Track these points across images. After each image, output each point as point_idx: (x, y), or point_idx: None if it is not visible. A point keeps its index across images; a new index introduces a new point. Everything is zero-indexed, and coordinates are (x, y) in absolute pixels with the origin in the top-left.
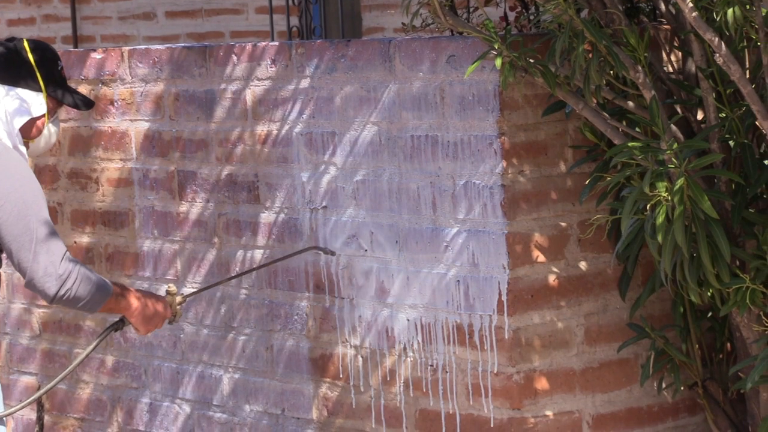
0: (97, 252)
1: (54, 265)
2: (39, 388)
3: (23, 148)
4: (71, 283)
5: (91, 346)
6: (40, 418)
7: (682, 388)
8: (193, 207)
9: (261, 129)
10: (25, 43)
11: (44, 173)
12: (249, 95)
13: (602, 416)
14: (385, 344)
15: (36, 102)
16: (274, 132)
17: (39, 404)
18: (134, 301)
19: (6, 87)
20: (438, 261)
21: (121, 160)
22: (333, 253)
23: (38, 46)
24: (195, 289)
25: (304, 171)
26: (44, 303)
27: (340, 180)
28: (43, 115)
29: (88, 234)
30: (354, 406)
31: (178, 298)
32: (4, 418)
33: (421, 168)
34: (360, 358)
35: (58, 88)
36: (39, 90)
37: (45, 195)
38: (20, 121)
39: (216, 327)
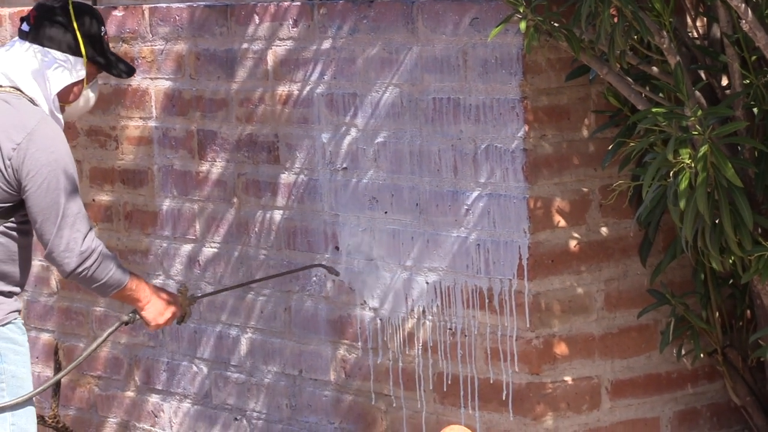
0: (115, 210)
1: (77, 241)
2: (57, 347)
3: (59, 114)
4: (91, 262)
5: (101, 339)
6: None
7: (701, 355)
8: (213, 167)
9: (282, 89)
10: (70, 6)
11: (63, 131)
12: (270, 55)
13: (621, 382)
14: (404, 307)
15: (76, 66)
16: (295, 93)
17: (56, 363)
18: (148, 295)
19: (46, 49)
20: (458, 224)
21: (141, 118)
22: (337, 273)
23: (83, 9)
24: (206, 292)
25: (324, 132)
26: None
27: (360, 142)
28: (82, 80)
29: (106, 192)
30: (372, 368)
31: (189, 299)
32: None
33: (442, 131)
34: (378, 321)
35: (100, 53)
36: (80, 54)
37: None
38: (58, 86)
39: None
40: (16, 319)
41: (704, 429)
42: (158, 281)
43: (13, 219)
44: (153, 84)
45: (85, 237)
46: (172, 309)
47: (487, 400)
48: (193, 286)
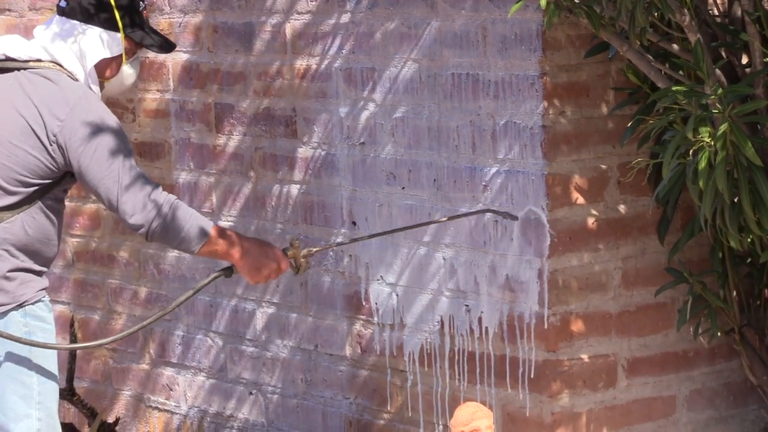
0: None
1: (143, 201)
2: (73, 320)
3: (96, 88)
4: (161, 219)
5: (196, 289)
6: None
7: (718, 333)
8: (230, 140)
9: (300, 63)
10: None
11: None
12: (288, 29)
13: (637, 360)
14: (421, 283)
15: (113, 42)
16: (313, 66)
17: (72, 335)
18: (239, 248)
19: (83, 24)
20: (476, 200)
21: (158, 91)
22: (515, 218)
23: None
24: (324, 246)
25: (342, 106)
26: (77, 232)
27: (378, 116)
28: (120, 56)
29: None
30: (387, 344)
31: (304, 251)
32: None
33: (461, 107)
34: (395, 297)
35: (138, 28)
36: (117, 29)
37: None
38: (93, 60)
39: None
40: (44, 297)
41: (720, 408)
42: (174, 254)
43: (49, 196)
44: (170, 57)
45: (151, 193)
46: (271, 265)
47: (503, 377)
48: (209, 260)
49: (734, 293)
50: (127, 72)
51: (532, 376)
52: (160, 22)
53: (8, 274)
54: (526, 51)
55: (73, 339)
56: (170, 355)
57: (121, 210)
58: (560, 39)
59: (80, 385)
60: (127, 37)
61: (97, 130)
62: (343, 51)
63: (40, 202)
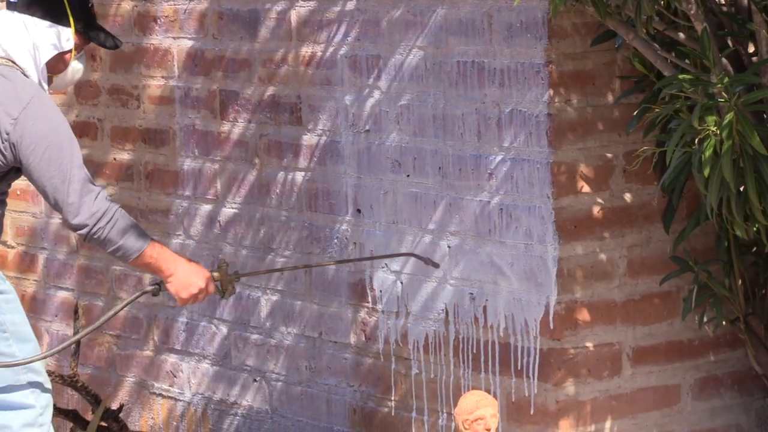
0: (136, 169)
1: (87, 204)
2: (77, 307)
3: (46, 85)
4: (104, 222)
5: (122, 305)
6: (76, 334)
7: (723, 322)
8: (235, 127)
9: (305, 50)
10: None
11: (85, 89)
12: (294, 16)
13: (642, 349)
14: (425, 271)
15: (64, 37)
16: (319, 54)
17: (75, 321)
18: (172, 266)
19: (36, 19)
20: (481, 189)
21: (162, 77)
22: (437, 265)
23: None
24: (250, 271)
25: (347, 94)
26: None
27: (384, 104)
28: (70, 51)
29: (128, 151)
30: (392, 332)
31: (231, 276)
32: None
33: (466, 94)
34: (399, 284)
35: (88, 24)
36: (68, 25)
37: (85, 111)
38: (47, 55)
39: (255, 248)
40: None
41: (725, 397)
42: (178, 241)
43: None
44: (175, 43)
45: (96, 199)
46: (199, 285)
47: (508, 366)
48: (213, 247)
49: (739, 282)
50: (76, 67)
51: (536, 364)
52: (165, 8)
53: None
54: (532, 39)
55: (77, 325)
56: (174, 342)
57: (66, 210)
58: (566, 27)
59: (84, 372)
60: (76, 32)
61: (49, 130)
62: (349, 38)
63: None
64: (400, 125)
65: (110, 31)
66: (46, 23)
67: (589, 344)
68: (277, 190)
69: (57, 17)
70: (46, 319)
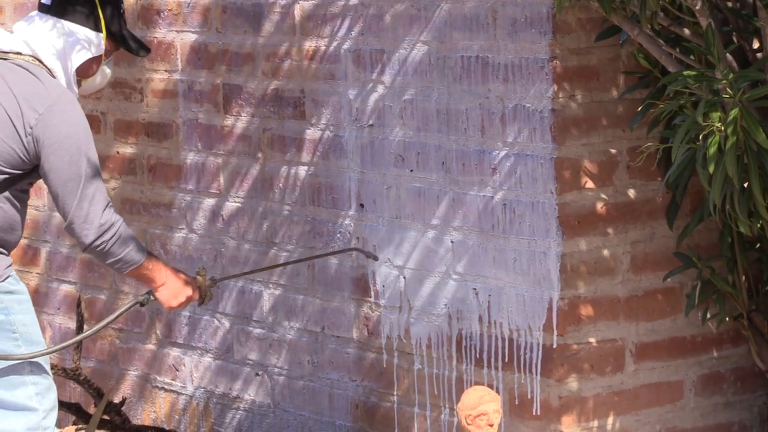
0: (139, 163)
1: (96, 214)
2: (79, 300)
3: (76, 88)
4: (109, 236)
5: (114, 316)
6: (79, 329)
7: (726, 319)
8: (238, 121)
9: (309, 44)
10: None
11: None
12: (297, 10)
13: (645, 345)
14: (428, 266)
15: (95, 42)
16: (322, 48)
17: (79, 315)
18: (163, 277)
19: (68, 23)
20: (484, 184)
21: (166, 71)
22: (376, 258)
23: None
24: (228, 275)
25: (351, 88)
26: None
27: (387, 99)
28: (101, 56)
29: (130, 144)
30: (395, 327)
31: (209, 282)
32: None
33: (470, 89)
34: (402, 279)
35: (118, 30)
36: (100, 30)
37: (89, 104)
38: (79, 60)
39: (258, 242)
40: (11, 272)
41: (728, 393)
42: (181, 235)
43: (16, 188)
44: (179, 37)
45: (104, 210)
46: (187, 292)
47: (511, 362)
48: (216, 241)
49: (743, 278)
50: (105, 71)
51: (539, 360)
52: (168, 2)
53: None
54: (536, 34)
55: (80, 319)
56: (176, 336)
57: (74, 215)
58: (571, 22)
59: (86, 365)
60: (107, 37)
61: (70, 133)
62: (353, 33)
63: (8, 192)
64: (404, 120)
65: None
66: (79, 28)
67: (592, 340)
68: (280, 185)
69: (89, 22)
70: (48, 312)
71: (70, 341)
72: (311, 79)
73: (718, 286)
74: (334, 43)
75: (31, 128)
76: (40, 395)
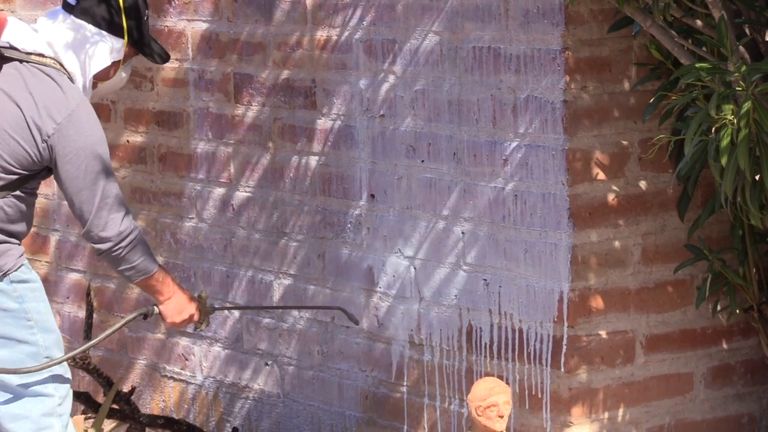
0: (149, 152)
1: (114, 222)
2: (89, 288)
3: (90, 91)
4: (126, 243)
5: (119, 325)
6: (88, 317)
7: (737, 311)
8: (249, 110)
9: (320, 34)
10: None
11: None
12: None
13: (656, 337)
14: (439, 257)
15: (116, 47)
16: (334, 38)
17: (88, 304)
18: (170, 291)
19: (91, 27)
20: (496, 175)
21: (177, 60)
22: (357, 322)
23: None
24: (228, 305)
25: (362, 78)
26: None
27: (399, 89)
28: (119, 61)
29: (141, 133)
30: (405, 316)
31: (208, 308)
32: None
33: (482, 80)
34: (413, 270)
35: (140, 37)
36: (122, 36)
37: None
38: (98, 66)
39: (268, 232)
40: (24, 261)
41: (738, 385)
42: (191, 224)
43: (27, 187)
44: (190, 26)
45: (123, 219)
46: (190, 311)
47: (521, 353)
48: (226, 230)
49: (754, 271)
50: (121, 75)
51: (549, 351)
52: None
53: None
54: (548, 25)
55: (89, 307)
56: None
57: (92, 222)
58: (583, 13)
59: (95, 354)
60: (129, 43)
61: (87, 143)
62: (364, 22)
63: (18, 191)
64: (415, 110)
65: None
66: (101, 32)
67: (603, 332)
68: (291, 175)
69: (112, 27)
70: (57, 301)
71: (76, 351)
72: (322, 68)
73: (728, 279)
74: (346, 33)
75: (48, 137)
76: (56, 382)
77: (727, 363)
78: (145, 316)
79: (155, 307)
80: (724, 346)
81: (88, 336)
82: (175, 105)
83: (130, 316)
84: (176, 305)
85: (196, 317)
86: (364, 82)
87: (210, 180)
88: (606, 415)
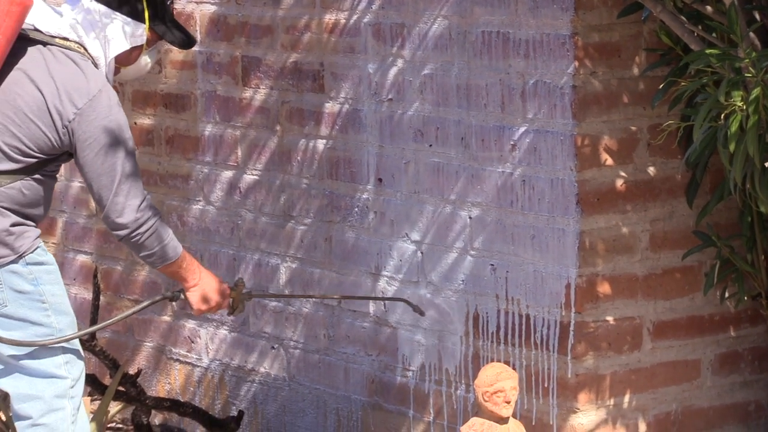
0: (157, 134)
1: (132, 207)
2: (96, 270)
3: (112, 76)
4: (145, 228)
5: (141, 306)
6: (95, 299)
7: (745, 298)
8: (257, 93)
9: (329, 17)
10: None
11: None
12: None
13: (663, 323)
14: (446, 241)
15: (137, 32)
16: (342, 21)
17: (95, 286)
18: (196, 277)
19: (112, 12)
20: (504, 160)
21: None
22: (422, 313)
23: None
24: (266, 293)
25: (370, 62)
26: None
27: (407, 73)
28: (141, 46)
29: (149, 116)
30: (412, 301)
31: (244, 294)
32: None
33: (490, 65)
34: (419, 254)
35: (162, 22)
36: (142, 21)
37: None
38: (118, 49)
39: (275, 215)
40: (40, 243)
41: (745, 372)
42: (198, 207)
43: (46, 170)
44: (198, 8)
45: (142, 203)
46: (217, 298)
47: (528, 338)
48: (233, 213)
49: (762, 258)
50: (145, 60)
51: (557, 337)
52: None
53: (10, 228)
54: (557, 10)
55: (96, 289)
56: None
57: (110, 208)
58: None
59: (102, 336)
60: (150, 28)
61: (108, 128)
62: (373, 6)
63: (37, 174)
64: (423, 95)
65: None
66: (122, 16)
67: (610, 318)
68: (298, 158)
69: (133, 11)
70: (64, 283)
71: (92, 328)
72: (331, 52)
73: (737, 266)
74: (354, 17)
75: (69, 122)
76: (69, 364)
77: (734, 350)
78: (172, 299)
79: (181, 292)
80: (732, 333)
81: (94, 318)
82: (183, 87)
83: (155, 299)
84: (203, 292)
85: (225, 305)
86: (373, 66)
87: (217, 163)
88: (612, 401)
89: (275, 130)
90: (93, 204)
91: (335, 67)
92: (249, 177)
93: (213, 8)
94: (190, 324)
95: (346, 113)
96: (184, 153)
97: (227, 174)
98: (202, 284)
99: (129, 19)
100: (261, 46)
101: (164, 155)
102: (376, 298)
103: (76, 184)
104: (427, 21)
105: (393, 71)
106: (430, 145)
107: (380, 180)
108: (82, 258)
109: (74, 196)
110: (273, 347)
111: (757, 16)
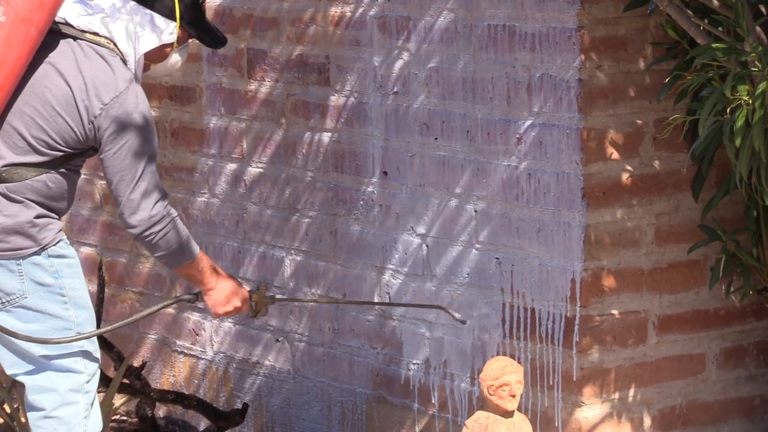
0: (162, 126)
1: (147, 205)
2: (101, 263)
3: (140, 73)
4: (158, 228)
5: (158, 306)
6: (100, 292)
7: (750, 292)
8: (262, 86)
9: (334, 10)
10: None
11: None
12: None
13: (668, 317)
14: (451, 235)
15: (167, 30)
16: (348, 14)
17: (100, 278)
18: (213, 281)
19: (143, 9)
20: (509, 154)
21: None
22: (464, 322)
23: None
24: (290, 297)
25: (376, 55)
26: None
27: (413, 66)
28: (172, 44)
29: (153, 108)
30: (416, 294)
31: (267, 298)
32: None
33: (496, 58)
34: (425, 248)
35: (194, 21)
36: (173, 19)
37: None
38: (147, 46)
39: (280, 208)
40: (62, 236)
41: (750, 367)
42: (203, 199)
43: (71, 164)
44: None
45: (157, 203)
46: (236, 303)
47: (533, 332)
48: (238, 206)
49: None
50: (175, 58)
51: (562, 331)
52: None
53: (34, 220)
54: (564, 3)
55: (101, 282)
56: None
57: (125, 204)
58: None
59: None
60: (181, 27)
61: (133, 125)
62: None
63: (63, 168)
64: (429, 88)
65: None
66: (153, 13)
67: (615, 312)
68: (303, 151)
69: (164, 9)
70: None
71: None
72: (336, 45)
73: (742, 260)
74: (360, 9)
75: (95, 117)
76: (86, 359)
77: (739, 344)
78: (188, 301)
79: (198, 296)
80: (737, 327)
81: (99, 311)
82: (188, 80)
83: (172, 300)
84: (220, 296)
85: (245, 309)
86: (378, 59)
87: (222, 155)
88: (617, 395)
89: (280, 123)
90: (97, 196)
91: (341, 59)
92: (254, 170)
93: (218, 0)
94: (195, 316)
95: (351, 106)
96: (189, 145)
97: (232, 166)
98: (220, 288)
99: (160, 17)
100: (266, 38)
101: (169, 147)
102: (410, 305)
103: (81, 176)
104: (433, 14)
105: (399, 64)
106: (436, 139)
107: (385, 173)
108: (86, 250)
109: (78, 188)
110: (278, 340)
111: (764, 10)
